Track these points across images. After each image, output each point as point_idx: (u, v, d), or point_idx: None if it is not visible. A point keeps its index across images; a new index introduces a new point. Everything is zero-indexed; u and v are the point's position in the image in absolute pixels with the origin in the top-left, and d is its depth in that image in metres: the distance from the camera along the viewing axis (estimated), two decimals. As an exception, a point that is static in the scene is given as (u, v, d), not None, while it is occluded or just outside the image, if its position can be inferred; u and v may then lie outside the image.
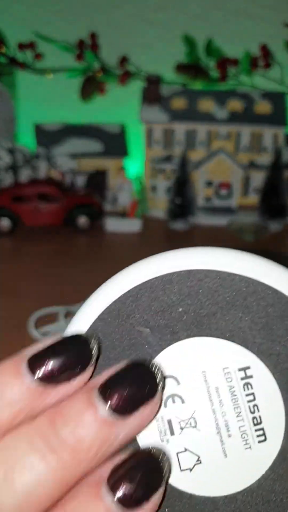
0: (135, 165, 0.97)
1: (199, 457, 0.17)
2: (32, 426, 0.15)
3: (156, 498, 0.15)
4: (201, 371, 0.18)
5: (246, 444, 0.17)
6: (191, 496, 0.17)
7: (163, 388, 0.17)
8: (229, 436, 0.17)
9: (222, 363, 0.18)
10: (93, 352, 0.16)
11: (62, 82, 0.97)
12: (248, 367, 0.18)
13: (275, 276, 0.18)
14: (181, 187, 0.84)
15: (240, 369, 0.18)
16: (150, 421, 0.16)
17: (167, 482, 0.16)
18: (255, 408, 0.17)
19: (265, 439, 0.17)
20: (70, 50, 0.95)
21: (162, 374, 0.16)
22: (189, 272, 0.18)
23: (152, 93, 0.89)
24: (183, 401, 0.17)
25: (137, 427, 0.16)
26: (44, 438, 0.15)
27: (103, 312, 0.18)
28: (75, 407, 0.15)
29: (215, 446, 0.17)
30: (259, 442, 0.17)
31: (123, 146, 0.94)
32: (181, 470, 0.17)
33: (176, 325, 0.18)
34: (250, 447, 0.17)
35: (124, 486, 0.15)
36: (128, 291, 0.18)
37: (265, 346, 0.18)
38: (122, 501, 0.15)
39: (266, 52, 0.92)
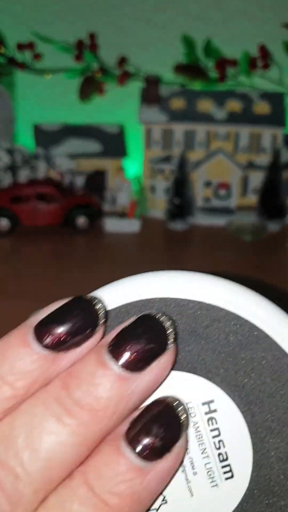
0: (134, 165, 0.97)
1: (164, 497, 0.17)
2: (46, 391, 0.15)
3: (177, 448, 0.15)
4: None
5: (213, 481, 0.17)
6: None
7: (175, 340, 0.16)
8: (195, 474, 0.17)
9: (184, 398, 0.17)
10: (100, 313, 0.16)
11: (61, 82, 0.97)
12: (212, 401, 0.17)
13: (236, 302, 0.17)
14: (180, 188, 0.84)
15: (203, 403, 0.17)
16: (166, 375, 0.16)
17: (186, 431, 0.15)
18: (221, 444, 0.16)
19: (232, 476, 0.16)
20: (69, 50, 0.95)
21: (173, 325, 0.16)
22: (145, 302, 0.17)
23: (151, 93, 0.89)
24: None
25: (153, 382, 0.15)
26: (59, 401, 0.15)
27: None
28: (86, 368, 0.15)
29: (180, 485, 0.17)
30: (226, 479, 0.16)
31: (122, 147, 0.94)
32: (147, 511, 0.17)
33: None
34: (216, 485, 0.16)
35: (143, 439, 0.15)
36: None
37: (229, 378, 0.17)
38: (143, 454, 0.14)
39: (264, 52, 0.92)
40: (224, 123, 0.90)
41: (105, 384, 0.15)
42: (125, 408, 0.15)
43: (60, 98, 1.00)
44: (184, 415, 0.15)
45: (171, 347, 0.15)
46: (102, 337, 0.16)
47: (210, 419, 0.17)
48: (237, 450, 0.16)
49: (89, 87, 0.95)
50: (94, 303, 0.16)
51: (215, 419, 0.17)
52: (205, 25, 0.98)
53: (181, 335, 0.17)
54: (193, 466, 0.17)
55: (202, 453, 0.17)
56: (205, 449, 0.16)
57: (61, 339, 0.15)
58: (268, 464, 0.16)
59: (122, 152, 0.94)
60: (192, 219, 0.86)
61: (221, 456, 0.16)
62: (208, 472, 0.17)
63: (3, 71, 0.95)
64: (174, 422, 0.15)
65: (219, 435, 0.16)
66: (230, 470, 0.16)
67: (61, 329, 0.15)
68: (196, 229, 0.85)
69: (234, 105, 0.91)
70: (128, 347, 0.15)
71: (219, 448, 0.16)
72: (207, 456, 0.16)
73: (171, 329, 0.15)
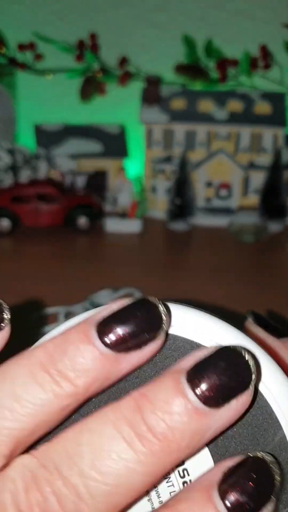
0: (135, 165, 0.97)
1: None
2: (117, 410, 0.14)
3: (268, 510, 0.14)
4: None
5: None
6: None
7: (259, 379, 0.15)
8: (161, 502, 0.16)
9: None
10: (163, 317, 0.15)
11: (62, 82, 0.97)
12: None
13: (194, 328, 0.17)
14: (181, 188, 0.84)
15: None
16: (243, 414, 0.15)
17: (279, 493, 0.15)
18: (185, 472, 0.16)
19: None
20: (70, 50, 0.95)
21: (256, 362, 0.15)
22: None
23: (152, 93, 0.89)
24: None
25: (229, 420, 0.14)
26: (132, 424, 0.14)
27: None
28: (162, 392, 0.14)
29: None
30: None
31: (123, 147, 0.94)
32: None
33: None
34: None
35: (236, 494, 0.14)
36: None
37: None
38: (233, 509, 0.14)
39: (265, 52, 0.92)
40: (225, 123, 0.90)
41: (182, 415, 0.14)
42: (197, 444, 0.14)
43: (61, 98, 1.00)
44: (279, 475, 0.14)
45: (251, 387, 0.14)
46: (164, 344, 0.16)
47: None
48: None
49: (90, 88, 0.95)
50: (158, 306, 0.15)
51: None
52: (205, 25, 0.98)
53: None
54: (158, 495, 0.17)
55: (167, 482, 0.16)
56: (169, 478, 0.16)
57: (124, 339, 0.15)
58: None
59: (123, 152, 0.94)
60: (193, 219, 0.86)
61: (186, 484, 0.16)
62: None
63: (4, 72, 0.95)
64: (269, 483, 0.14)
65: (183, 464, 0.16)
66: None
67: (124, 329, 0.15)
68: (197, 230, 0.85)
69: (235, 105, 0.90)
70: (209, 380, 0.14)
71: (183, 477, 0.16)
72: (172, 485, 0.16)
73: (255, 369, 0.15)
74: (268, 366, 0.16)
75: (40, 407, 0.14)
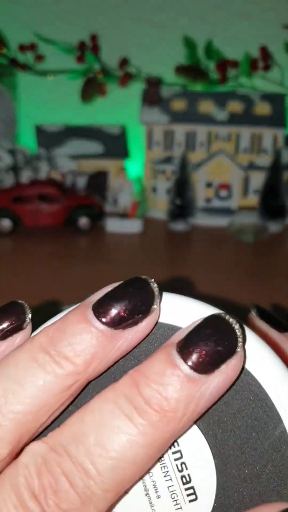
0: (135, 166, 0.97)
1: None
2: (116, 388, 0.15)
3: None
4: None
5: (177, 504, 0.16)
6: None
7: (244, 341, 0.15)
8: (158, 497, 0.16)
9: None
10: (155, 292, 0.16)
11: (63, 83, 0.97)
12: None
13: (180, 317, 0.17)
14: (181, 188, 0.85)
15: None
16: (234, 380, 0.15)
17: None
18: (183, 466, 0.16)
19: (196, 498, 0.16)
20: (70, 51, 0.96)
21: (241, 327, 0.15)
22: None
23: (152, 94, 0.89)
24: None
25: (222, 385, 0.15)
26: (129, 398, 0.14)
27: None
28: (155, 366, 0.15)
29: (144, 508, 0.16)
30: (190, 501, 0.16)
31: (124, 148, 0.94)
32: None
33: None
34: (181, 507, 0.16)
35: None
36: None
37: None
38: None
39: (265, 54, 0.92)
40: (225, 124, 0.90)
41: (174, 384, 0.14)
42: (193, 412, 0.15)
43: (62, 99, 1.01)
44: (241, 331, 0.15)
45: (240, 351, 0.15)
46: (163, 334, 0.16)
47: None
48: (200, 472, 0.16)
49: (91, 88, 0.95)
50: (149, 282, 0.16)
51: (176, 442, 0.16)
52: (206, 26, 0.98)
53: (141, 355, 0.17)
54: (156, 490, 0.16)
55: (164, 476, 0.16)
56: (167, 472, 0.16)
57: (119, 317, 0.15)
58: (233, 485, 0.16)
59: (123, 153, 0.94)
60: (193, 219, 0.86)
61: (184, 478, 0.16)
62: (171, 495, 0.16)
63: (5, 72, 0.95)
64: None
65: (181, 457, 0.16)
66: (194, 493, 0.16)
67: (119, 306, 0.15)
68: (197, 230, 0.85)
69: (235, 106, 0.91)
70: (197, 348, 0.15)
71: (181, 471, 0.16)
72: (170, 479, 0.16)
73: (240, 332, 0.15)
74: (268, 358, 0.16)
75: (43, 387, 0.15)
